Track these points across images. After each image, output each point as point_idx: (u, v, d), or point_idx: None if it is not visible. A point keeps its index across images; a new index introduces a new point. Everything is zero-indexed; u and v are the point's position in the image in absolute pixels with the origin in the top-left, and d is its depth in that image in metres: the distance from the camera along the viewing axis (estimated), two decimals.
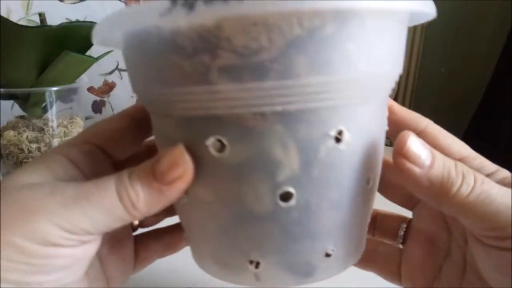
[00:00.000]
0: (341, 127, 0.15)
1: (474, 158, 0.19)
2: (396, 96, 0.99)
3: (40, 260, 0.15)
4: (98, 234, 0.16)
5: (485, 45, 0.99)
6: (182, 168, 0.16)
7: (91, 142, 0.19)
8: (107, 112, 0.77)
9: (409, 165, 0.16)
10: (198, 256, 0.20)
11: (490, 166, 0.18)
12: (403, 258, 0.23)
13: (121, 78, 0.76)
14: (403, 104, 0.99)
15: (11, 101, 0.37)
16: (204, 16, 0.13)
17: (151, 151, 0.23)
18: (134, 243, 0.23)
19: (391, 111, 0.20)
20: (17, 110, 0.38)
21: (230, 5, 0.12)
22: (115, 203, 0.16)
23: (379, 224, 0.24)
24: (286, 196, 0.16)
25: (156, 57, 0.15)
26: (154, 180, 0.16)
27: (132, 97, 0.78)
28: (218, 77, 0.14)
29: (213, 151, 0.15)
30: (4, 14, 0.62)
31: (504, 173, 0.18)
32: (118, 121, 0.20)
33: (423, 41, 0.94)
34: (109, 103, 0.77)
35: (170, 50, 0.14)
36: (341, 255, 0.18)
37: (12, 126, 0.37)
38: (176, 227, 0.24)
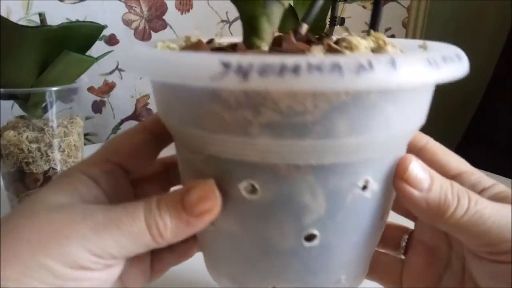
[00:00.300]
0: (369, 177, 0.16)
1: (472, 173, 0.20)
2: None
3: (70, 283, 0.16)
4: (123, 258, 0.17)
5: (485, 45, 0.99)
6: (212, 202, 0.16)
7: (112, 160, 0.20)
8: (107, 112, 0.77)
9: (410, 189, 0.17)
10: (215, 272, 0.20)
11: (486, 181, 0.20)
12: (404, 268, 0.23)
13: (121, 78, 0.76)
14: None
15: (11, 101, 0.37)
16: (257, 86, 0.12)
17: (164, 166, 0.23)
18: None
19: None
20: (17, 110, 0.38)
21: (285, 79, 0.12)
22: (143, 231, 0.16)
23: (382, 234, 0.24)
24: (310, 237, 0.16)
25: (195, 104, 0.15)
26: (183, 211, 0.16)
27: (132, 97, 0.78)
28: (258, 131, 0.14)
29: (244, 193, 0.16)
30: (4, 14, 0.62)
31: (498, 187, 0.19)
32: (137, 136, 0.21)
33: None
34: (109, 103, 0.77)
35: (212, 100, 0.14)
36: (350, 279, 0.19)
37: (12, 126, 0.37)
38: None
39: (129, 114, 0.80)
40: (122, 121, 0.80)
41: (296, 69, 0.12)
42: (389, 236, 0.24)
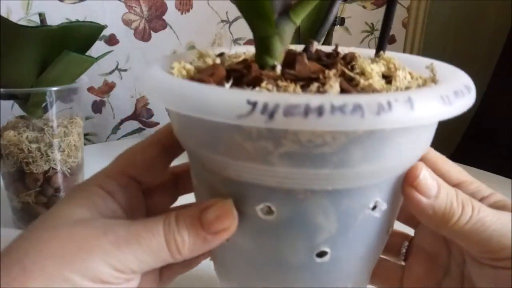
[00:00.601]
0: (378, 199, 0.17)
1: (471, 183, 0.21)
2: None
3: None
4: (141, 273, 0.18)
5: (485, 45, 0.99)
6: (229, 221, 0.17)
7: (126, 173, 0.20)
8: (107, 112, 0.77)
9: (418, 195, 0.17)
10: (225, 281, 0.21)
11: (485, 190, 0.20)
12: (405, 274, 0.24)
13: (121, 78, 0.76)
14: None
15: (11, 101, 0.37)
16: (282, 125, 0.13)
17: (172, 175, 0.24)
18: None
19: None
20: (17, 110, 0.38)
21: (308, 120, 0.12)
22: (162, 247, 0.17)
23: None
24: (321, 254, 0.17)
25: (216, 132, 0.15)
26: (201, 228, 0.17)
27: (132, 97, 0.78)
28: (278, 160, 0.15)
29: (260, 214, 0.17)
30: (4, 14, 0.62)
31: (497, 196, 0.20)
32: (150, 150, 0.21)
33: (423, 41, 0.94)
34: (109, 103, 0.77)
35: (234, 131, 0.15)
36: (356, 286, 0.20)
37: (12, 126, 0.37)
38: None
39: (129, 114, 0.80)
40: (122, 121, 0.80)
41: (320, 111, 0.12)
42: (390, 243, 0.24)
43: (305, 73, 0.16)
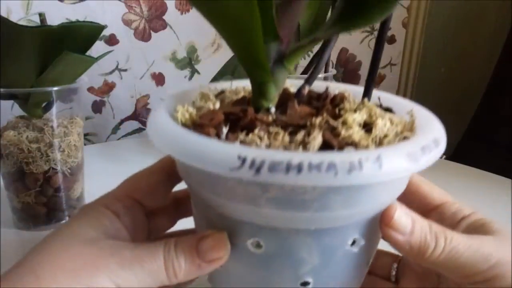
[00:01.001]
0: (357, 236, 0.19)
1: (453, 203, 0.22)
2: (396, 95, 0.99)
3: None
4: None
5: (485, 45, 0.99)
6: (223, 252, 0.19)
7: (132, 196, 0.22)
8: (107, 112, 0.77)
9: (395, 234, 0.19)
10: None
11: (466, 210, 0.22)
12: None
13: (121, 78, 0.76)
14: None
15: (11, 101, 0.37)
16: (267, 180, 0.15)
17: (173, 200, 0.26)
18: None
19: None
20: (17, 110, 0.38)
21: (289, 175, 0.14)
22: (161, 270, 0.19)
23: (373, 261, 0.26)
24: (305, 283, 0.19)
25: (213, 177, 0.17)
26: (197, 256, 0.19)
27: (132, 97, 0.78)
28: (265, 203, 0.17)
29: (250, 247, 0.19)
30: (4, 14, 0.62)
31: (477, 215, 0.22)
32: (154, 176, 0.23)
33: (423, 41, 0.94)
34: (109, 103, 0.77)
35: (228, 177, 0.16)
36: None
37: (12, 126, 0.37)
38: None
39: (129, 114, 0.80)
40: (122, 121, 0.80)
41: (299, 168, 0.14)
42: (381, 264, 0.26)
43: (294, 118, 0.19)
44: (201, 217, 0.21)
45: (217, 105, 0.21)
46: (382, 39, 0.21)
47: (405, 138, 0.19)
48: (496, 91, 0.82)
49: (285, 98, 0.21)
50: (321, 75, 0.52)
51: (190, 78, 0.81)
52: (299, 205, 0.16)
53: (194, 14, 0.76)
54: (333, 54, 0.84)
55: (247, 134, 0.18)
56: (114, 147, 0.66)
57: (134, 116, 0.80)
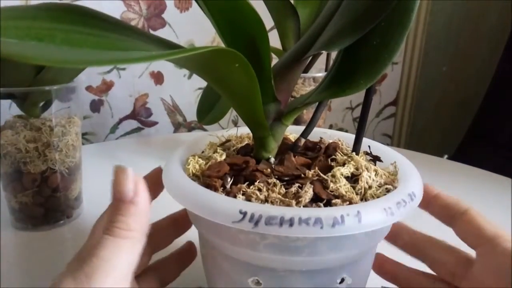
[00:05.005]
0: (345, 275, 0.22)
1: (508, 238, 0.22)
2: (398, 95, 0.99)
3: None
4: None
5: (487, 44, 0.99)
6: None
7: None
8: (105, 111, 0.77)
9: None
10: None
11: None
12: None
13: (120, 77, 0.76)
14: (404, 103, 0.99)
15: (9, 101, 0.37)
16: (263, 231, 0.18)
17: (172, 220, 0.28)
18: None
19: (438, 198, 0.25)
20: (15, 110, 0.37)
21: (283, 228, 0.18)
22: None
23: None
24: None
25: (218, 226, 0.19)
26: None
27: (131, 96, 0.78)
28: (263, 249, 0.20)
29: (251, 284, 0.22)
30: None
31: None
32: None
33: (424, 40, 0.94)
34: (107, 102, 0.77)
35: (230, 226, 0.19)
36: None
37: (10, 125, 0.37)
38: None
39: (128, 113, 0.79)
40: (120, 120, 0.79)
41: (291, 222, 0.18)
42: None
43: (291, 169, 0.23)
44: (208, 256, 0.24)
45: (223, 156, 0.25)
46: (368, 103, 0.24)
47: (387, 189, 0.22)
48: (497, 90, 0.82)
49: (284, 148, 0.25)
50: (321, 74, 0.52)
51: (190, 77, 0.81)
52: (293, 250, 0.19)
53: (194, 12, 0.76)
54: (333, 55, 0.84)
55: (248, 185, 0.21)
56: (113, 147, 0.65)
57: (133, 115, 0.80)
